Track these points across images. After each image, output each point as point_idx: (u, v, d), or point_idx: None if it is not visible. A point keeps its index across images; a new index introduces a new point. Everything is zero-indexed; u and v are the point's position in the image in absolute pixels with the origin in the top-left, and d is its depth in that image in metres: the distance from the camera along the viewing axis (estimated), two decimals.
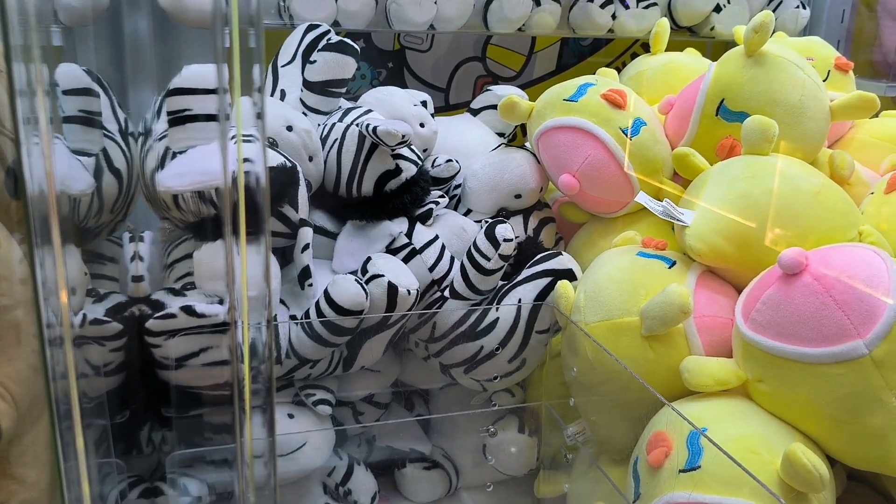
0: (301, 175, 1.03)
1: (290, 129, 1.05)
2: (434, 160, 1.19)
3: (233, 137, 0.63)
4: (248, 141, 1.00)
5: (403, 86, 1.35)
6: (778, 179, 0.96)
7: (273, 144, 1.03)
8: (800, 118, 1.06)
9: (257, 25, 0.60)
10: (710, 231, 0.94)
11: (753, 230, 0.93)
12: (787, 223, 0.93)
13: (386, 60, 1.59)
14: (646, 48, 1.43)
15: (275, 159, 0.98)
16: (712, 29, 1.59)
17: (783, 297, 0.80)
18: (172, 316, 0.93)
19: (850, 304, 0.76)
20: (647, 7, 1.53)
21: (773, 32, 1.47)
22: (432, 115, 1.23)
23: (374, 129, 1.02)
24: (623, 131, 1.09)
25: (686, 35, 1.63)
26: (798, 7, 1.65)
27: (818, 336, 0.77)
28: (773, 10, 1.64)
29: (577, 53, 1.71)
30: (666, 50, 1.43)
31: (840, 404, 0.77)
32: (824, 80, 1.31)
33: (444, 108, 1.65)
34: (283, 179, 0.98)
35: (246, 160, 0.95)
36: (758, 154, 1.00)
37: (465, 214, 1.20)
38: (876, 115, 1.37)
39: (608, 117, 1.10)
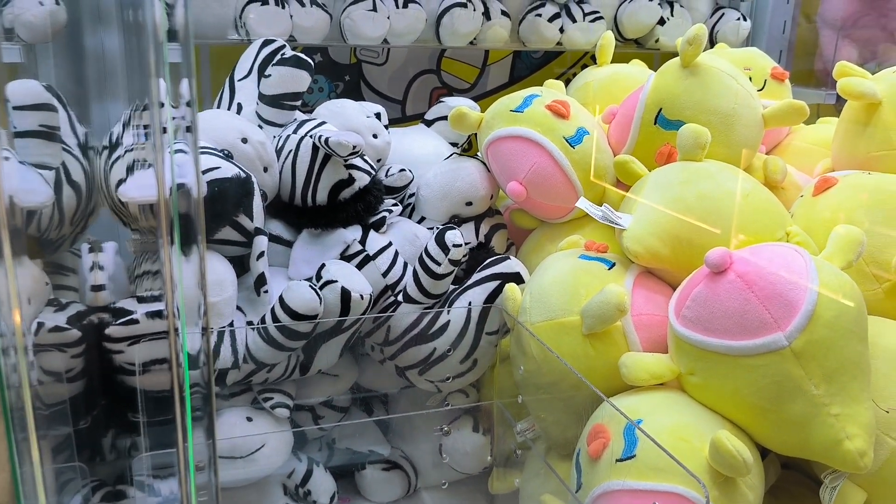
0: (256, 185, 1.06)
1: (245, 140, 1.09)
2: (388, 170, 1.23)
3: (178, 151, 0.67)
4: (204, 152, 1.04)
5: (361, 98, 1.39)
6: (709, 183, 1.01)
7: (228, 156, 1.07)
8: (734, 125, 1.12)
9: (185, 42, 0.63)
10: (645, 233, 0.99)
11: (686, 232, 0.98)
12: (718, 225, 0.98)
13: (343, 73, 1.64)
14: (595, 60, 1.49)
15: (230, 170, 1.02)
16: (657, 41, 1.65)
17: (710, 294, 0.85)
18: (135, 322, 0.95)
19: (771, 300, 0.81)
20: (593, 20, 1.58)
21: (716, 44, 1.54)
22: (386, 127, 1.27)
23: (327, 140, 1.06)
24: (566, 140, 1.14)
25: (633, 47, 1.69)
26: (739, 19, 1.72)
27: (742, 330, 0.82)
28: (716, 23, 1.71)
29: (529, 66, 1.77)
30: (614, 62, 1.48)
31: (764, 394, 0.82)
32: (761, 90, 1.37)
33: (401, 119, 1.69)
34: (238, 190, 1.02)
35: (208, 169, 0.98)
36: (692, 160, 1.06)
37: (420, 222, 1.25)
38: (813, 122, 1.44)
39: (552, 127, 1.15)
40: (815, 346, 0.81)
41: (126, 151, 1.08)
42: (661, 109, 1.14)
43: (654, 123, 1.14)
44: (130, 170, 1.06)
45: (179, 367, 0.52)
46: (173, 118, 0.64)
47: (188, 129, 0.57)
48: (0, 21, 1.11)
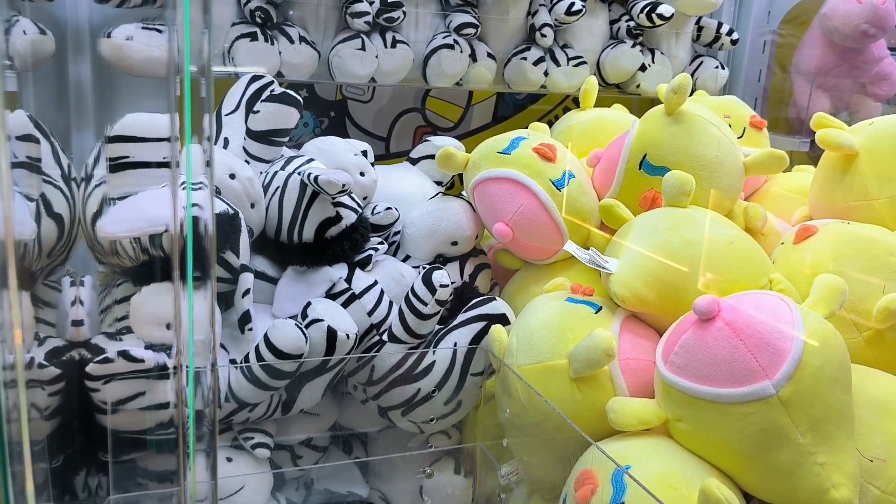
0: (243, 221, 1.05)
1: (232, 176, 1.08)
2: (374, 207, 1.23)
3: (182, 184, 0.66)
4: (198, 188, 1.03)
5: (345, 135, 1.40)
6: (694, 229, 1.03)
7: (216, 192, 1.06)
8: (716, 173, 1.14)
9: (208, 76, 0.63)
10: (632, 278, 1.00)
11: (672, 277, 0.99)
12: (703, 271, 0.99)
13: (328, 110, 1.64)
14: (577, 103, 1.51)
15: (217, 206, 1.01)
16: (638, 86, 1.68)
17: (698, 341, 0.86)
18: (110, 360, 0.94)
19: (759, 348, 0.82)
20: (577, 65, 1.61)
21: (694, 91, 1.57)
22: (372, 165, 1.27)
23: (316, 178, 1.06)
24: (553, 182, 1.15)
25: (614, 91, 1.72)
26: (717, 67, 1.76)
27: (730, 377, 0.83)
28: (695, 70, 1.75)
29: (512, 106, 1.79)
30: (595, 105, 1.51)
31: (751, 441, 0.83)
32: (740, 137, 1.40)
33: (385, 156, 1.70)
34: (226, 226, 1.01)
35: (195, 205, 0.98)
36: (677, 206, 1.07)
37: (404, 260, 1.24)
38: (789, 169, 1.47)
39: (539, 169, 1.16)
40: (801, 395, 0.81)
41: (98, 184, 1.07)
42: (645, 155, 1.16)
43: (639, 169, 1.16)
44: (105, 204, 1.05)
45: (184, 405, 0.51)
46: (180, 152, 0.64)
47: (207, 163, 0.57)
48: (6, 47, 1.11)
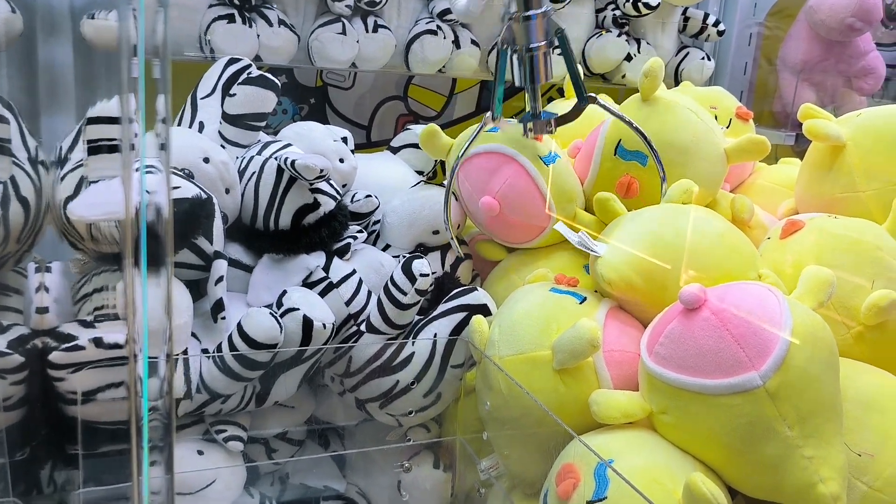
0: (217, 207, 1.02)
1: (206, 160, 1.05)
2: (353, 195, 1.20)
3: (137, 168, 0.63)
4: (151, 172, 1.00)
5: (325, 122, 1.36)
6: (685, 221, 1.01)
7: (189, 176, 1.03)
8: (692, 158, 1.12)
9: (163, 56, 0.60)
10: (621, 262, 0.98)
11: (660, 266, 0.97)
12: (693, 261, 0.97)
13: (308, 96, 1.61)
14: (562, 93, 1.48)
15: (190, 190, 0.97)
16: (623, 77, 1.67)
17: (684, 331, 0.83)
18: (80, 348, 0.90)
19: (746, 338, 0.80)
20: (561, 55, 1.58)
21: (681, 82, 1.56)
22: (352, 152, 1.24)
23: (293, 162, 1.03)
24: (541, 158, 1.13)
25: (600, 82, 1.70)
26: (703, 58, 1.75)
27: (716, 368, 0.80)
28: (681, 61, 1.73)
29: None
30: None
31: (737, 434, 0.81)
32: (726, 129, 1.38)
33: (366, 145, 1.67)
34: (198, 211, 0.97)
35: (149, 192, 0.94)
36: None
37: (384, 249, 1.22)
38: (775, 162, 1.45)
39: (526, 144, 1.14)
40: (789, 387, 0.79)
41: (75, 167, 1.03)
42: (620, 140, 1.15)
43: (615, 154, 1.15)
44: (80, 187, 1.01)
45: (138, 395, 0.48)
46: (136, 135, 0.60)
47: (162, 146, 0.54)
48: None
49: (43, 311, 0.95)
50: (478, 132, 1.14)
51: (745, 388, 0.79)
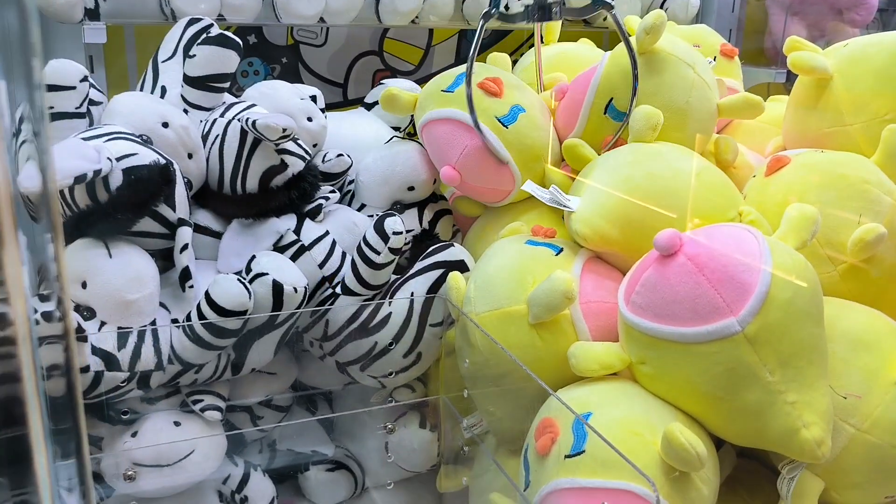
0: (178, 173, 0.99)
1: (165, 125, 1.01)
2: (325, 155, 1.17)
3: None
4: (120, 137, 0.96)
5: (299, 82, 1.32)
6: (658, 163, 0.97)
7: (147, 142, 0.99)
8: (686, 120, 1.07)
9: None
10: (595, 215, 0.94)
11: (636, 213, 0.94)
12: (668, 205, 0.94)
13: (279, 56, 1.56)
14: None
15: (147, 157, 0.94)
16: (605, 19, 1.61)
17: (659, 279, 0.80)
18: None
19: (723, 283, 0.77)
20: None
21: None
22: (322, 111, 1.20)
23: (254, 122, 0.99)
24: (499, 120, 1.08)
25: (581, 26, 1.64)
26: None
27: (693, 315, 0.78)
28: (664, 1, 1.67)
29: None
30: (561, 41, 1.44)
31: (717, 382, 0.78)
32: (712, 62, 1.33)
33: (342, 103, 1.63)
34: (157, 177, 0.94)
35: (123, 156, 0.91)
36: (642, 142, 1.01)
37: (360, 209, 1.18)
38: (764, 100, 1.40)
39: (483, 106, 1.08)
40: (769, 331, 0.77)
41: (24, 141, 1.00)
42: (611, 99, 1.08)
43: (605, 113, 1.09)
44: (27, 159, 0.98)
45: (39, 375, 0.45)
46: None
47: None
48: None
49: None
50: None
51: (723, 334, 0.76)
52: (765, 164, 1.06)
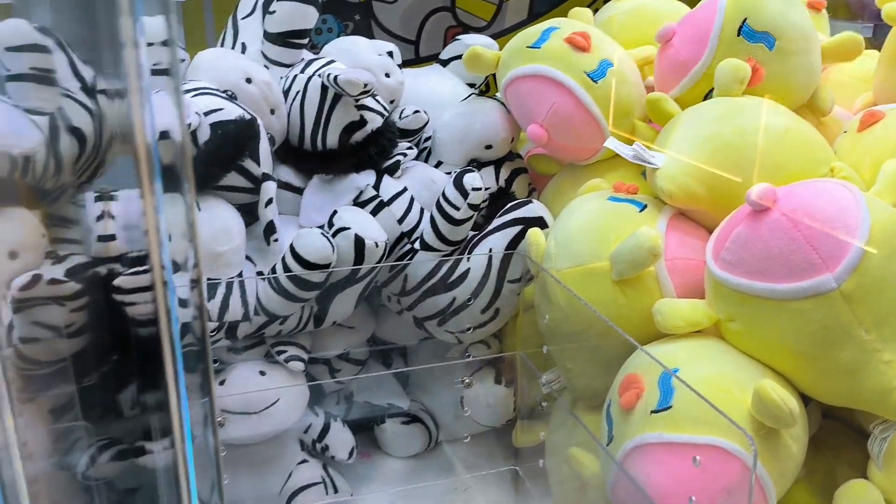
0: (262, 128, 1.00)
1: (249, 81, 1.03)
2: (402, 111, 1.17)
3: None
4: (206, 93, 0.98)
5: (371, 38, 1.32)
6: (746, 118, 0.94)
7: (232, 97, 1.01)
8: (810, 44, 1.03)
9: None
10: (680, 172, 0.93)
11: (724, 169, 0.92)
12: (757, 161, 0.91)
13: (352, 13, 1.56)
14: None
15: (233, 112, 0.96)
16: None
17: (752, 235, 0.79)
18: (146, 271, 0.90)
19: (819, 239, 0.75)
20: None
21: None
22: (399, 67, 1.20)
23: (336, 77, 0.99)
24: (588, 75, 1.06)
25: None
26: None
27: (787, 272, 0.76)
28: None
29: (549, 1, 1.68)
30: None
31: (810, 340, 0.77)
32: None
33: (415, 60, 1.62)
34: (243, 132, 0.96)
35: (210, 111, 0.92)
36: (728, 95, 0.98)
37: (436, 166, 1.18)
38: None
39: (572, 62, 1.06)
40: (866, 289, 0.75)
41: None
42: (745, 19, 1.01)
43: (738, 35, 1.01)
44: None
45: (169, 322, 0.47)
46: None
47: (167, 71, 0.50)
48: None
49: (107, 238, 0.96)
50: None
51: (818, 291, 0.75)
52: (856, 120, 1.03)
